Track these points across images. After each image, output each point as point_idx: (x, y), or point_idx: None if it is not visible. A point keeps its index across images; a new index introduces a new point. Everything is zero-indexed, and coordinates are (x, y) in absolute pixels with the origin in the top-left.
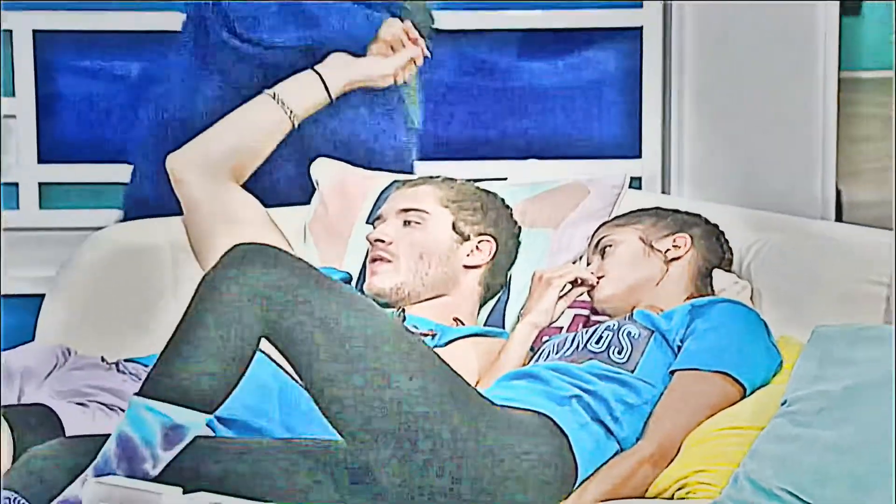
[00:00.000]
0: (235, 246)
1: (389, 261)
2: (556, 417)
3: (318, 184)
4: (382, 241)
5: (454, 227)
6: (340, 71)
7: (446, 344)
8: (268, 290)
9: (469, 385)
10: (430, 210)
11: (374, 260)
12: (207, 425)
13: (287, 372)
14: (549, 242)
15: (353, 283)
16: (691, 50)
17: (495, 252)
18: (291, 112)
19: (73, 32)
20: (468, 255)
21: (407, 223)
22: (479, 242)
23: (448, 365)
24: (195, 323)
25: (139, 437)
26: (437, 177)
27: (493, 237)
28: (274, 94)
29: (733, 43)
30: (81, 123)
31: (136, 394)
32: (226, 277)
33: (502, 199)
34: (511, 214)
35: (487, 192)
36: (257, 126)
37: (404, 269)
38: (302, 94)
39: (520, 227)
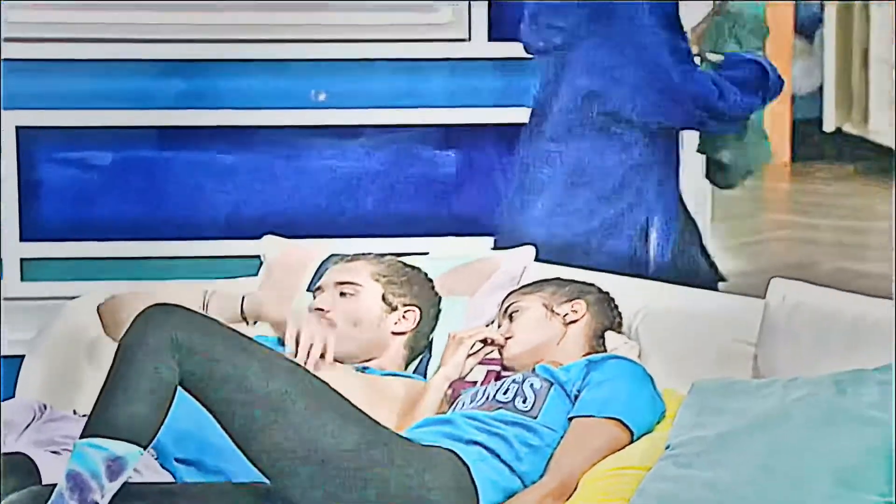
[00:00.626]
0: (149, 307)
1: (329, 327)
2: (462, 456)
3: (264, 257)
4: (322, 311)
5: (384, 299)
6: (255, 306)
7: (385, 377)
8: (179, 344)
9: (381, 425)
10: (362, 283)
11: None
12: (166, 468)
13: None
14: (465, 309)
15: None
16: None
17: (419, 320)
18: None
19: (53, 128)
20: (395, 323)
21: (343, 294)
22: (405, 312)
23: (363, 412)
24: (120, 374)
25: (86, 471)
26: (370, 253)
27: (417, 307)
28: (205, 293)
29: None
30: (59, 206)
31: (81, 436)
32: (142, 333)
33: (425, 273)
34: (433, 286)
35: (413, 266)
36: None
37: (341, 335)
38: (225, 305)
39: (440, 297)
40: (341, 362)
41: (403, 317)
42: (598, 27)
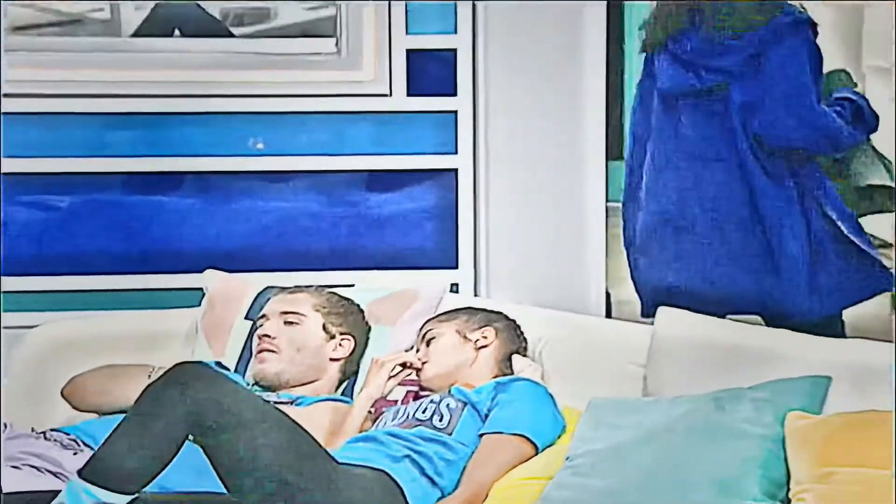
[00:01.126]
0: (177, 364)
1: (274, 352)
2: (392, 473)
3: (206, 290)
4: (268, 337)
5: (324, 328)
6: None
7: (309, 405)
8: (201, 405)
9: (320, 451)
10: (306, 313)
11: (260, 351)
12: None
13: None
14: (389, 336)
15: (233, 367)
16: (494, 186)
17: (353, 348)
18: None
19: (18, 174)
20: (333, 350)
21: (288, 323)
22: (341, 340)
23: (307, 439)
24: (136, 423)
25: None
26: (311, 286)
27: (352, 336)
28: (149, 372)
29: (528, 180)
30: (25, 244)
31: (79, 472)
32: (167, 390)
33: (357, 305)
34: (364, 316)
35: (347, 299)
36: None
37: (286, 359)
38: None
39: (370, 327)
40: (274, 390)
41: (340, 344)
42: (753, 69)
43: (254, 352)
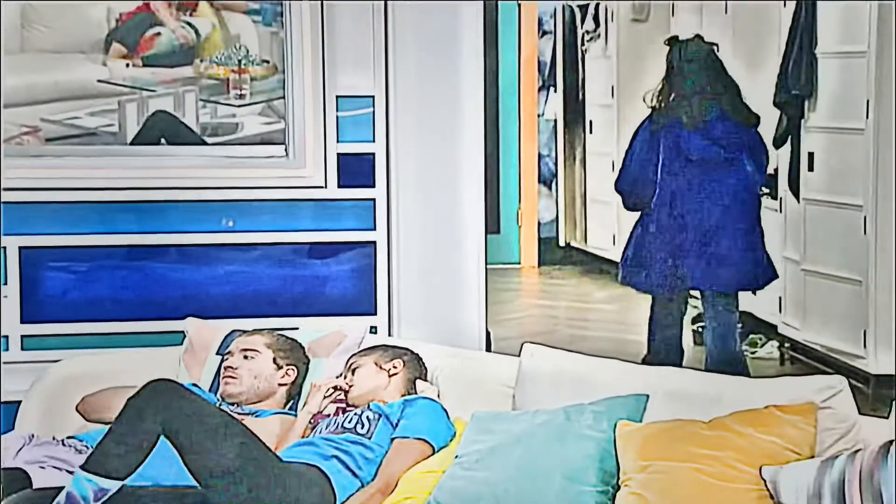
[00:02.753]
0: (150, 382)
1: (235, 378)
2: (323, 468)
3: (187, 333)
4: (232, 367)
5: (274, 361)
6: None
7: (264, 416)
8: (171, 413)
9: (269, 451)
10: (260, 350)
11: (226, 377)
12: None
13: None
14: (324, 367)
15: (207, 388)
16: (405, 256)
17: (297, 375)
18: None
19: (45, 247)
20: (282, 377)
21: (246, 356)
22: (287, 370)
23: (257, 442)
24: (121, 428)
25: (79, 494)
26: (265, 329)
27: (295, 366)
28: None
29: (428, 249)
30: (49, 298)
31: (82, 466)
32: (142, 402)
33: (299, 343)
34: (304, 351)
35: (293, 339)
36: None
37: (245, 384)
38: None
39: (309, 359)
40: (238, 405)
41: (287, 373)
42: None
43: (221, 378)
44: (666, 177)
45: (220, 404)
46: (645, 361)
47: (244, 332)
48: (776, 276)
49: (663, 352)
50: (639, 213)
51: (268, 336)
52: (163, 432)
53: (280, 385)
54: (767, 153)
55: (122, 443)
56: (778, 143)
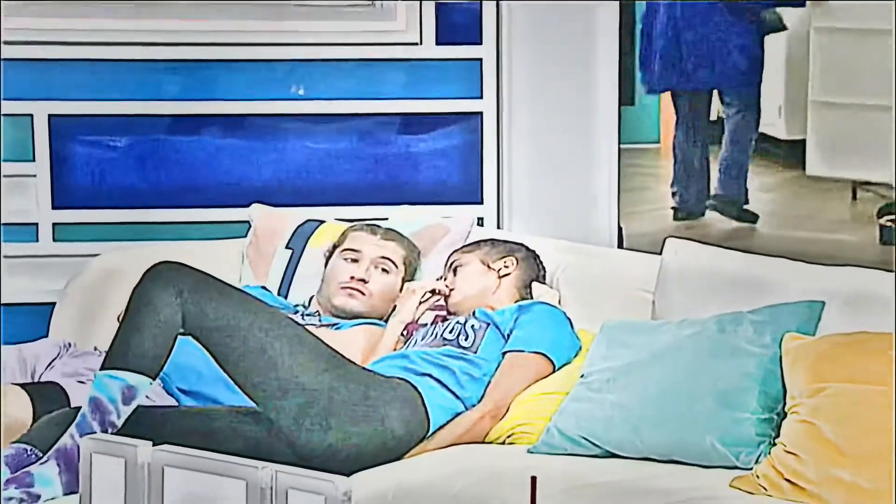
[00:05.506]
0: (155, 264)
1: (364, 294)
2: (414, 383)
3: (252, 221)
4: (363, 281)
5: (402, 281)
6: None
7: (348, 328)
8: (182, 297)
9: (349, 363)
10: (397, 265)
11: (352, 289)
12: (171, 395)
13: None
14: (423, 268)
15: (275, 291)
16: (517, 127)
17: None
18: None
19: (79, 115)
20: (398, 299)
21: (383, 270)
22: (405, 290)
23: (334, 354)
24: (133, 318)
25: (105, 397)
26: (379, 226)
27: (412, 281)
28: None
29: (548, 122)
30: (84, 179)
31: (100, 368)
32: (151, 285)
33: (419, 251)
34: (419, 255)
35: (413, 244)
36: None
37: (371, 304)
38: None
39: (417, 268)
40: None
41: (401, 291)
42: None
43: (339, 283)
44: None
45: (303, 312)
46: None
47: (355, 226)
48: None
49: None
50: None
51: (403, 245)
52: (185, 323)
53: (394, 305)
54: None
55: (144, 335)
56: None
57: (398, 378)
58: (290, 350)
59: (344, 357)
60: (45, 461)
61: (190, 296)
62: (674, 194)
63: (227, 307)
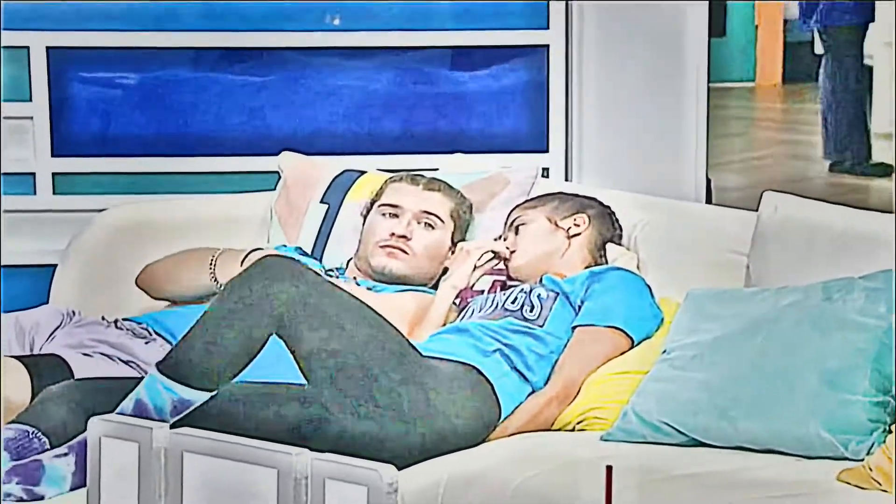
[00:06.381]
0: (263, 258)
1: (406, 253)
2: (482, 368)
3: (282, 172)
4: (405, 238)
5: (451, 238)
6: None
7: (390, 293)
8: (286, 302)
9: (406, 342)
10: (443, 219)
11: (392, 247)
12: None
13: None
14: (476, 225)
15: (310, 251)
16: (588, 63)
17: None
18: (217, 282)
19: (81, 48)
20: (448, 260)
21: (427, 225)
22: (454, 250)
23: (392, 329)
24: (218, 318)
25: (152, 405)
26: (423, 175)
27: (463, 240)
28: (212, 255)
29: (623, 57)
30: (88, 123)
31: (157, 366)
32: (251, 285)
33: (470, 204)
34: (470, 208)
35: (462, 195)
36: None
37: (416, 265)
38: (229, 262)
39: (469, 223)
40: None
41: (452, 251)
42: None
43: (377, 241)
44: None
45: (338, 276)
46: None
47: (395, 177)
48: None
49: None
50: None
51: (451, 196)
52: (273, 331)
53: (444, 268)
54: None
55: (218, 342)
56: None
57: (461, 362)
58: (356, 330)
59: (403, 336)
60: (64, 454)
61: (293, 310)
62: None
63: (322, 308)
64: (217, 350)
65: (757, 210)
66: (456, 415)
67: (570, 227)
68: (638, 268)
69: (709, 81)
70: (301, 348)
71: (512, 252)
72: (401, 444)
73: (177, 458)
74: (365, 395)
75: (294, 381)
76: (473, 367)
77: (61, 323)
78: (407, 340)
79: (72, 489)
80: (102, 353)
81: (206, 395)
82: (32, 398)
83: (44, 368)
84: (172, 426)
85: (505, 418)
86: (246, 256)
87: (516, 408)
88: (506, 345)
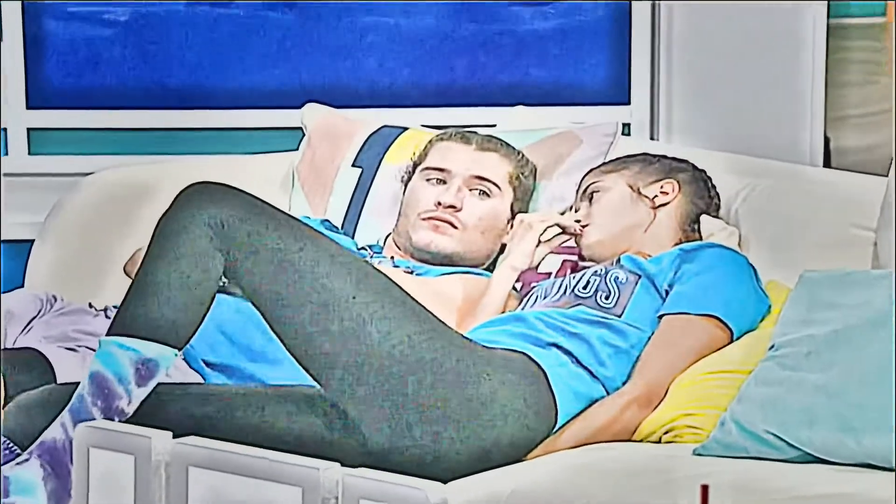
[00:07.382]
0: (188, 186)
1: (455, 227)
2: (535, 357)
3: (306, 128)
4: (454, 208)
5: (511, 208)
6: None
7: (436, 276)
8: (221, 223)
9: (449, 330)
10: (500, 186)
11: (438, 220)
12: (198, 372)
13: None
14: (542, 191)
15: (340, 225)
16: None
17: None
18: None
19: None
20: (506, 236)
21: (481, 192)
22: (513, 223)
23: (423, 306)
24: (157, 261)
25: (112, 373)
26: (476, 132)
27: (523, 211)
28: None
29: None
30: (70, 69)
31: (107, 334)
32: (182, 215)
33: (534, 167)
34: (534, 173)
35: (524, 157)
36: None
37: (467, 240)
38: None
39: (532, 191)
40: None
41: (511, 225)
42: None
43: (420, 213)
44: None
45: (373, 255)
46: None
47: (443, 134)
48: None
49: None
50: None
51: (509, 158)
52: (227, 271)
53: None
54: None
55: (166, 283)
56: None
57: (512, 350)
58: (373, 311)
59: (445, 325)
60: (25, 460)
61: (237, 232)
62: None
63: (290, 248)
64: (167, 291)
65: (887, 175)
66: (505, 417)
67: (655, 196)
68: (739, 245)
69: (828, 17)
70: (278, 323)
71: (584, 226)
72: (435, 454)
73: (180, 473)
74: (392, 388)
75: (307, 384)
76: (527, 357)
77: (39, 311)
78: (447, 326)
79: (51, 498)
80: (89, 348)
81: (170, 352)
82: (5, 402)
83: (19, 366)
84: (175, 435)
85: (566, 422)
86: None
87: (584, 410)
88: (575, 335)
